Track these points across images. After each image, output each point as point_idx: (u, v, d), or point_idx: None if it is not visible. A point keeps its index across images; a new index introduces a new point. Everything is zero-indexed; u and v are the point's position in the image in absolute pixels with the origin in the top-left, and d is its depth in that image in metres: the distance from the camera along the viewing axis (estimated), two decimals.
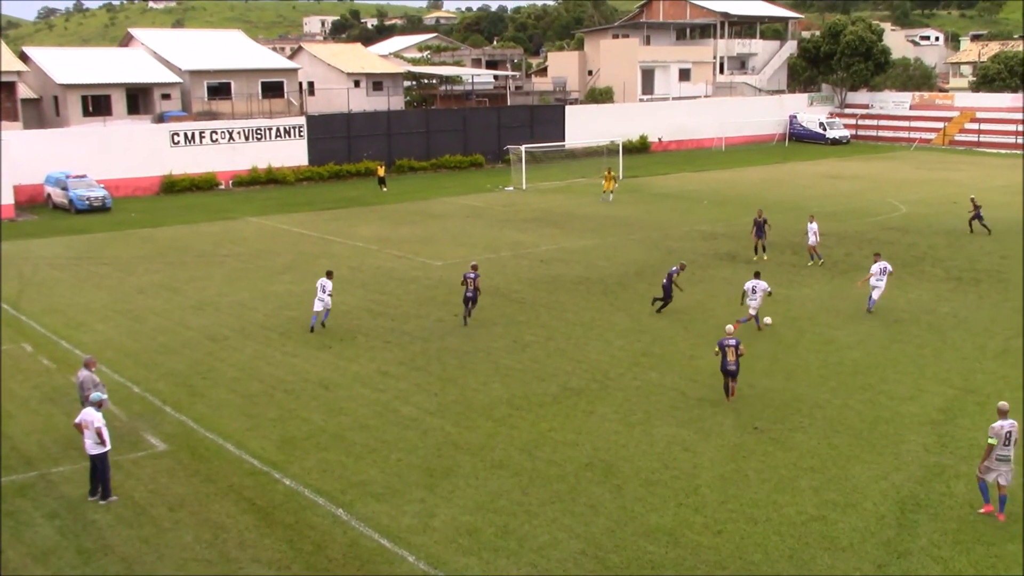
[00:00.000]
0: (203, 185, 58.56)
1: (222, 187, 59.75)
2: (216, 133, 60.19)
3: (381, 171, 59.89)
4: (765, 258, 35.87)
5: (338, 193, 57.39)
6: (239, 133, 61.06)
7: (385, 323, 27.98)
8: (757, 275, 27.31)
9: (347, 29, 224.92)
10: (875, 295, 28.57)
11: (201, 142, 59.35)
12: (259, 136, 61.82)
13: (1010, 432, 15.73)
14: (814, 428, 19.64)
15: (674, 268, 29.24)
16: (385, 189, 57.89)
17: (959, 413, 20.21)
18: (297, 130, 63.49)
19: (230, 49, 74.16)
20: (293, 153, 63.02)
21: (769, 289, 27.06)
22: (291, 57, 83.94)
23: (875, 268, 28.57)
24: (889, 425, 19.74)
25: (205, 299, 31.05)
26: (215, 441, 19.35)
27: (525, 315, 28.73)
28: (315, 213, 49.58)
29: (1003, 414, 15.92)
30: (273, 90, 70.39)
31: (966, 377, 22.59)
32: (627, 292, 31.43)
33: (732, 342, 21.16)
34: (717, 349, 21.36)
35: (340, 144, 64.95)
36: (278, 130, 62.69)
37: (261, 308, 29.84)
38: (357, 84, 77.04)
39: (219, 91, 68.84)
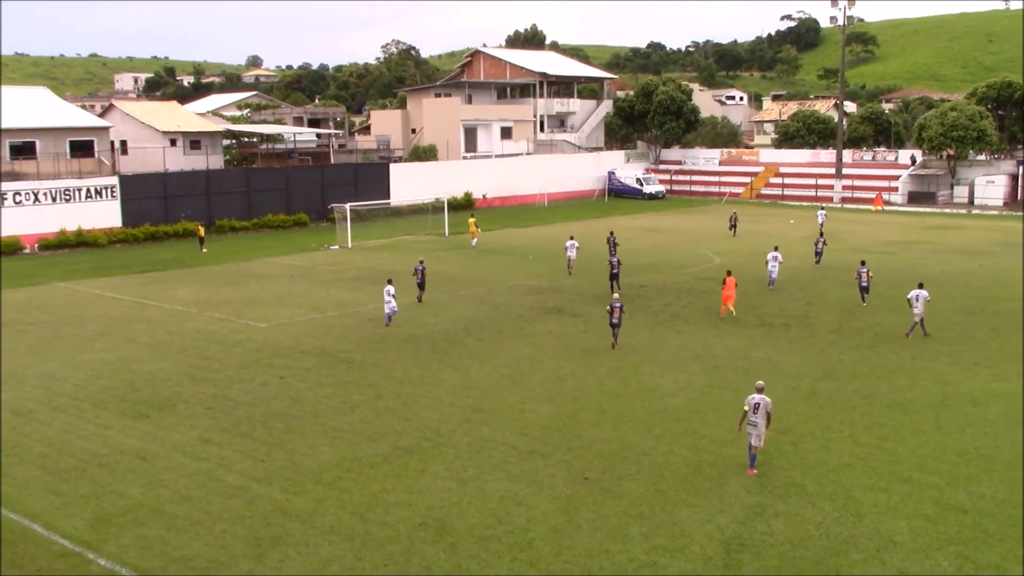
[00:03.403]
0: (5, 250, 55.32)
1: (27, 251, 56.63)
2: (20, 195, 57.18)
3: (201, 231, 58.19)
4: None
5: (155, 255, 55.35)
6: (45, 194, 58.25)
7: (207, 389, 26.97)
8: (920, 286, 32.62)
9: (162, 86, 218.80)
10: (773, 275, 41.39)
11: (3, 204, 56.18)
12: (67, 197, 59.17)
13: (758, 404, 19.76)
14: (642, 475, 20.07)
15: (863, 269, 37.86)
16: (204, 250, 56.21)
17: (775, 454, 21.08)
18: (109, 190, 61.13)
19: (34, 106, 70.63)
20: (105, 215, 60.60)
21: (928, 297, 32.27)
22: (102, 115, 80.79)
23: (770, 256, 41.66)
24: (712, 468, 20.39)
25: (8, 371, 29.10)
26: (20, 523, 18.02)
27: (353, 375, 28.30)
28: (130, 277, 47.57)
29: (759, 390, 20.11)
30: (82, 149, 67.34)
31: (780, 419, 23.61)
32: (456, 348, 31.46)
33: (617, 305, 30.52)
34: (608, 309, 30.71)
35: (156, 204, 62.91)
36: (88, 191, 60.21)
37: (71, 378, 28.23)
38: (173, 143, 74.71)
39: (23, 150, 65.36)
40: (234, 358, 30.51)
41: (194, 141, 76.21)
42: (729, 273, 36.87)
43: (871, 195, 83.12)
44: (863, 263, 38.84)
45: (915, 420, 23.56)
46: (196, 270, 49.69)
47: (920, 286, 32.67)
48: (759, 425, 19.83)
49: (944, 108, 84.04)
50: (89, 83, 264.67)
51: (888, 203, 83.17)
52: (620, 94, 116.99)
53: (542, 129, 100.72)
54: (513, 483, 19.68)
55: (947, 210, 79.75)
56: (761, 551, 16.60)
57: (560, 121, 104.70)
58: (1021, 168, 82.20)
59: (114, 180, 62.27)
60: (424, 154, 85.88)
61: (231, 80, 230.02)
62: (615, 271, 40.78)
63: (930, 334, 32.38)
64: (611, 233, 50.50)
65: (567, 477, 19.99)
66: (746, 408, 19.96)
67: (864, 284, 37.48)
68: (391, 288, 35.12)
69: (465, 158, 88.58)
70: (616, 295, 32.72)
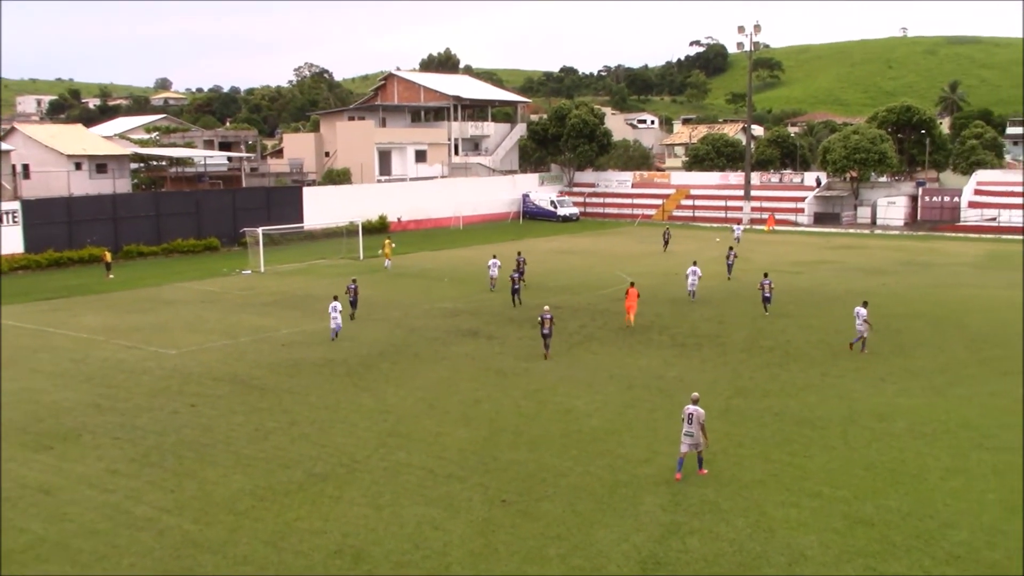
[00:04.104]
0: None
1: None
2: None
3: (108, 257, 56.78)
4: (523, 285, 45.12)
5: (59, 281, 53.76)
6: None
7: (114, 418, 26.22)
8: (864, 304, 33.93)
9: (66, 109, 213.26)
10: (693, 288, 44.14)
11: None
12: None
13: (691, 414, 20.91)
14: (559, 496, 20.11)
15: (766, 281, 40.93)
16: (111, 276, 54.82)
17: (689, 471, 21.32)
18: (11, 216, 59.29)
19: None
20: (6, 240, 58.72)
21: (862, 314, 33.23)
22: (3, 138, 78.34)
23: (689, 271, 44.39)
24: (628, 488, 20.54)
25: None
26: None
27: (267, 402, 27.82)
28: (32, 304, 46.08)
29: (694, 401, 21.20)
30: None
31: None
32: (371, 372, 31.19)
33: (548, 316, 32.14)
34: (539, 320, 32.38)
35: (60, 230, 61.17)
36: None
37: None
38: (79, 166, 72.84)
39: None
40: (143, 386, 29.74)
41: (100, 165, 74.45)
42: (632, 285, 39.32)
43: (780, 216, 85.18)
44: (766, 275, 42.07)
45: (824, 436, 24.10)
46: (103, 296, 48.38)
47: (864, 304, 34.23)
48: (694, 434, 20.91)
49: (847, 132, 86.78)
50: None
51: (795, 223, 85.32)
52: (534, 117, 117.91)
53: (456, 152, 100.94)
54: (430, 508, 19.54)
55: (851, 230, 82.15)
56: (677, 569, 16.75)
57: (474, 144, 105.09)
58: (920, 190, 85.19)
59: (16, 205, 60.48)
60: (338, 177, 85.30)
61: (139, 103, 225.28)
62: (516, 287, 43.60)
63: (853, 348, 33.76)
64: (519, 254, 52.19)
65: (484, 500, 19.92)
66: (683, 417, 21.10)
67: (767, 295, 40.72)
68: (337, 304, 36.45)
69: (379, 181, 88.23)
70: (547, 307, 34.38)
